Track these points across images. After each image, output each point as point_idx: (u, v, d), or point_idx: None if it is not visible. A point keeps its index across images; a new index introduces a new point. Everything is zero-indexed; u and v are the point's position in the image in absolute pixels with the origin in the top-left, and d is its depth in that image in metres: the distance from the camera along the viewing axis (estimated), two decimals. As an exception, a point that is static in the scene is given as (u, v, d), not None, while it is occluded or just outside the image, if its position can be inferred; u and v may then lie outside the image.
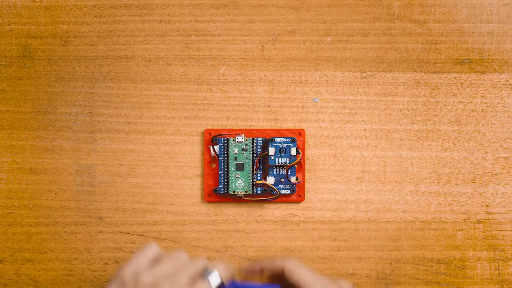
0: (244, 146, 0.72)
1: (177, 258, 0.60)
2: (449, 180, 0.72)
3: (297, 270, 0.66)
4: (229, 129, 0.72)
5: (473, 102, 0.73)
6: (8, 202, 0.73)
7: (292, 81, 0.73)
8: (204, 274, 0.59)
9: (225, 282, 0.60)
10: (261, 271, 0.69)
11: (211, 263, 0.60)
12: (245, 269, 0.70)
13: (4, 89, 0.74)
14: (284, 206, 0.72)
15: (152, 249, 0.60)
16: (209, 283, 0.58)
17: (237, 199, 0.72)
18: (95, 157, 0.73)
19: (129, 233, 0.73)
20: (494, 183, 0.72)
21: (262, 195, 0.72)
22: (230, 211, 0.73)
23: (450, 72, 0.73)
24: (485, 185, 0.72)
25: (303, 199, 0.72)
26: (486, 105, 0.73)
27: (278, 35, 0.73)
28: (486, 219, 0.72)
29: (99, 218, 0.72)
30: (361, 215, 0.72)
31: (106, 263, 0.72)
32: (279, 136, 0.72)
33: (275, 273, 0.68)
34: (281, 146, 0.71)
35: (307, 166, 0.73)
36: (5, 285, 0.72)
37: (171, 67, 0.73)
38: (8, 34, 0.74)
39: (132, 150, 0.73)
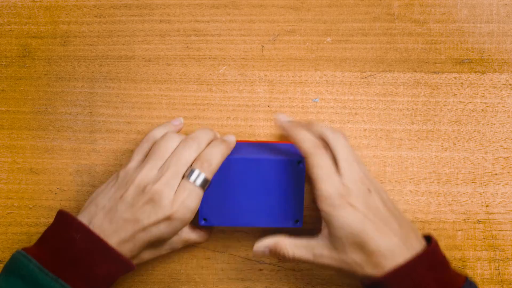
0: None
1: (160, 157, 0.64)
2: (449, 180, 0.72)
3: (338, 148, 0.63)
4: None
5: (473, 102, 0.73)
6: (8, 202, 0.73)
7: (292, 81, 0.73)
8: (186, 174, 0.63)
9: (209, 177, 0.63)
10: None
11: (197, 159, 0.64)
12: (285, 127, 0.66)
13: (4, 89, 0.74)
14: (284, 206, 0.72)
15: (143, 148, 0.67)
16: (192, 184, 0.63)
17: None
18: (95, 157, 0.73)
19: (129, 233, 0.73)
20: (494, 183, 0.72)
21: None
22: (230, 211, 0.73)
23: (450, 72, 0.73)
24: (485, 185, 0.72)
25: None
26: (486, 105, 0.73)
27: (278, 35, 0.73)
28: (486, 219, 0.72)
29: (99, 218, 0.72)
30: (361, 215, 0.72)
31: (106, 263, 0.72)
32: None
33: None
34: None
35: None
36: (5, 285, 0.72)
37: (171, 67, 0.73)
38: (8, 34, 0.74)
39: (132, 150, 0.73)
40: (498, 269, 0.72)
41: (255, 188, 0.66)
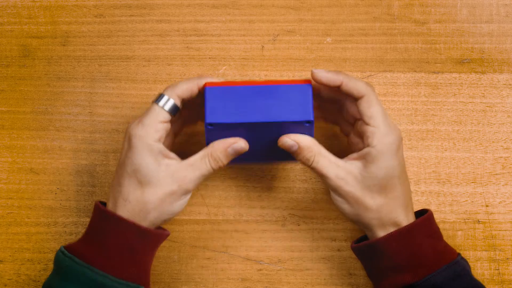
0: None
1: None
2: (449, 180, 0.72)
3: (373, 105, 0.61)
4: None
5: (473, 102, 0.73)
6: (8, 202, 0.73)
7: (292, 81, 0.73)
8: (155, 100, 0.62)
9: (179, 105, 0.62)
10: (338, 87, 0.62)
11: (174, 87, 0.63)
12: (324, 79, 0.62)
13: (4, 89, 0.74)
14: (284, 205, 0.72)
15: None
16: (159, 108, 0.62)
17: None
18: (95, 157, 0.73)
19: (129, 233, 0.73)
20: (494, 183, 0.72)
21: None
22: (230, 211, 0.73)
23: (450, 72, 0.73)
24: (485, 185, 0.72)
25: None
26: (486, 105, 0.73)
27: (278, 35, 0.73)
28: (486, 219, 0.72)
29: (99, 218, 0.72)
30: (361, 215, 0.72)
31: (106, 263, 0.72)
32: None
33: (347, 92, 0.62)
34: None
35: (307, 166, 0.73)
36: (5, 285, 0.72)
37: (171, 67, 0.73)
38: (8, 34, 0.74)
39: (132, 150, 0.73)
40: (498, 269, 0.72)
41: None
